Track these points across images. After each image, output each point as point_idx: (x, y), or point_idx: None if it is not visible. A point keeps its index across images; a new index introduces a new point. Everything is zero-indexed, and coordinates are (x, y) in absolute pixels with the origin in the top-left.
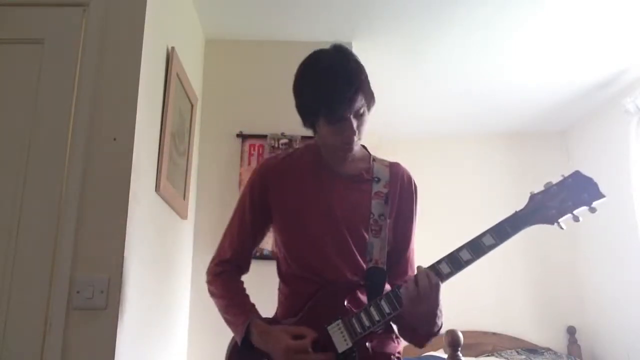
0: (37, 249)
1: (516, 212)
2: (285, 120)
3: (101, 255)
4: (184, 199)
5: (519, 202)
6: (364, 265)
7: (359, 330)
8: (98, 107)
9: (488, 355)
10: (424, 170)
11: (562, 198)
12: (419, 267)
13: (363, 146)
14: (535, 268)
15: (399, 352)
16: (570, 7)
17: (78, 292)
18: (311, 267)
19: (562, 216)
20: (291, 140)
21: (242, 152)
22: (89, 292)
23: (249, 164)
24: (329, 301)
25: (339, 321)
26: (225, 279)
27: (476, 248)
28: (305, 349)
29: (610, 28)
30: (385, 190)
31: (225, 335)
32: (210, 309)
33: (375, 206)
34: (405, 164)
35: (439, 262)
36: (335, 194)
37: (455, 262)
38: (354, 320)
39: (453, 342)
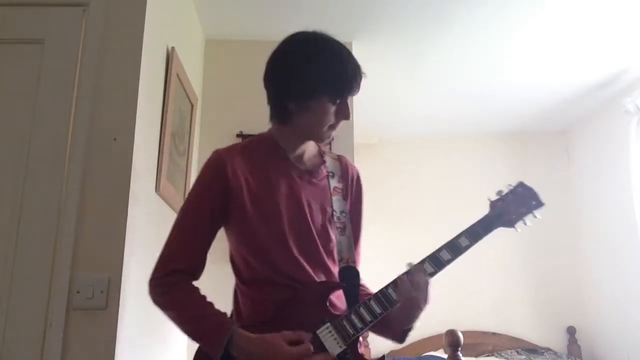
0: (37, 249)
1: (486, 216)
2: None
3: (101, 255)
4: (184, 199)
5: None
6: (332, 265)
7: (351, 332)
8: (98, 107)
9: (488, 355)
10: (423, 170)
11: (517, 204)
12: (410, 264)
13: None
14: (535, 268)
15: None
16: (570, 7)
17: (78, 292)
18: (279, 269)
19: (518, 221)
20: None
21: None
22: (89, 292)
23: None
24: (308, 304)
25: (328, 324)
26: (181, 290)
27: (454, 248)
28: (309, 353)
29: (610, 28)
30: (340, 185)
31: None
32: None
33: (336, 202)
34: (405, 164)
35: (422, 261)
36: (300, 190)
37: (437, 262)
38: (344, 322)
39: (453, 342)
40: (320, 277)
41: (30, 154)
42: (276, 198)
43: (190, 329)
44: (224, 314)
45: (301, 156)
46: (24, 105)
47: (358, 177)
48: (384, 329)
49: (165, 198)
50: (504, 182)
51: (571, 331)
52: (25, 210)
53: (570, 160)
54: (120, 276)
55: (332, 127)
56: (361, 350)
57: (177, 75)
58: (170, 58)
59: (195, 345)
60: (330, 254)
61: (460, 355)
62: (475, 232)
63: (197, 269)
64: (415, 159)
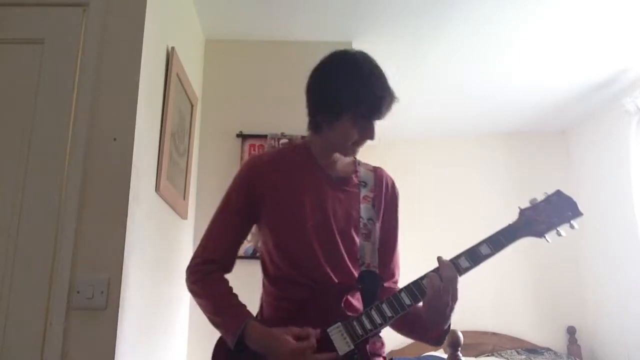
0: (37, 249)
1: (510, 225)
2: (285, 120)
3: (101, 255)
4: (184, 199)
5: (519, 202)
6: (355, 269)
7: (360, 332)
8: (98, 107)
9: (488, 355)
10: (423, 170)
11: (549, 214)
12: (440, 258)
13: None
14: (536, 268)
15: (384, 352)
16: (570, 7)
17: (78, 292)
18: (302, 270)
19: (549, 231)
20: (291, 140)
21: (242, 152)
22: (89, 292)
23: None
24: (324, 304)
25: (339, 324)
26: (212, 279)
27: (474, 256)
28: (311, 349)
29: (610, 28)
30: (371, 195)
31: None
32: None
33: (364, 210)
34: (405, 164)
35: (451, 259)
36: (327, 196)
37: (457, 268)
38: (355, 323)
39: (453, 342)
40: (340, 280)
41: (30, 154)
42: (302, 202)
43: (213, 318)
44: (244, 306)
45: (333, 164)
46: (24, 105)
47: (393, 186)
48: (414, 332)
49: (165, 198)
50: (504, 182)
51: (571, 331)
52: (25, 210)
53: (570, 160)
54: (120, 276)
55: (356, 144)
56: (374, 347)
57: (177, 75)
58: (170, 58)
59: (195, 345)
60: (353, 258)
61: (460, 355)
62: (498, 241)
63: (228, 262)
64: (415, 159)
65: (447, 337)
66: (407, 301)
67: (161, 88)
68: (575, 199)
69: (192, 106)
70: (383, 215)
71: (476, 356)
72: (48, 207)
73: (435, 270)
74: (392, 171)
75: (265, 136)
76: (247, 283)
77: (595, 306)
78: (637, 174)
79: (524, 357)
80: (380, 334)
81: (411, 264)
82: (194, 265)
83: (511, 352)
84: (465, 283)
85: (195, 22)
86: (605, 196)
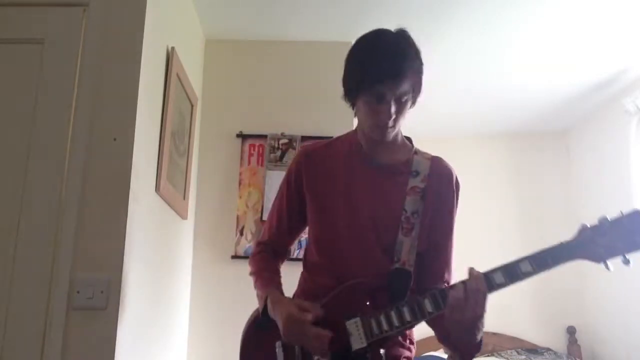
0: (37, 249)
1: (562, 243)
2: (285, 120)
3: (101, 255)
4: (184, 199)
5: (519, 202)
6: (388, 264)
7: (375, 331)
8: (98, 107)
9: (488, 355)
10: None
11: (613, 237)
12: (471, 269)
13: (407, 138)
14: None
15: (406, 357)
16: (570, 7)
17: (78, 292)
18: (332, 262)
19: (610, 257)
20: (291, 140)
21: (242, 152)
22: (89, 292)
23: (249, 164)
24: (350, 296)
25: (357, 319)
26: (259, 258)
27: (512, 273)
28: (305, 320)
29: (610, 28)
30: (422, 185)
31: (225, 335)
32: (211, 308)
33: (410, 202)
34: None
35: (485, 273)
36: (366, 186)
37: (489, 283)
38: (372, 321)
39: None
40: (370, 275)
41: (30, 154)
42: (335, 194)
43: (256, 292)
44: (277, 279)
45: (382, 150)
46: (24, 105)
47: (451, 177)
48: (452, 345)
49: (165, 198)
50: (504, 182)
51: (571, 331)
52: (25, 210)
53: (570, 160)
54: (120, 276)
55: (377, 126)
56: (396, 352)
57: (177, 75)
58: (170, 58)
59: (195, 345)
60: (388, 252)
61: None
62: (543, 260)
63: (280, 248)
64: None
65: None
66: (429, 308)
67: (161, 88)
68: (575, 198)
69: (192, 106)
70: (435, 208)
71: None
72: (48, 207)
73: (464, 281)
74: None
75: (265, 136)
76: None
77: (595, 306)
78: (637, 174)
79: (524, 357)
80: (411, 341)
81: None
82: (254, 246)
83: (511, 352)
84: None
85: (195, 22)
86: (605, 196)
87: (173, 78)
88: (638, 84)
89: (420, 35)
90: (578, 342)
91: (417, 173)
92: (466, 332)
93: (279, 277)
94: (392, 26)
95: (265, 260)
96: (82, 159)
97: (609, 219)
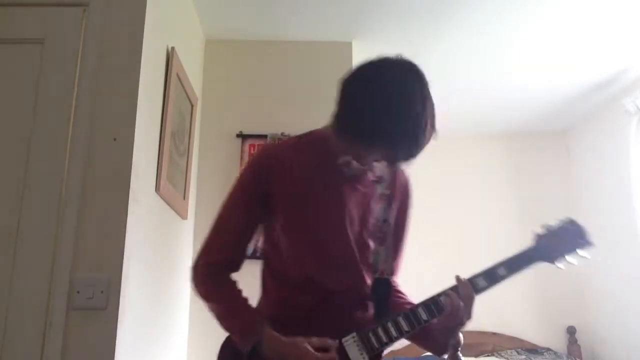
0: (37, 249)
1: (527, 249)
2: (285, 120)
3: (101, 255)
4: (184, 199)
5: (519, 202)
6: (368, 275)
7: (376, 345)
8: (98, 107)
9: (488, 355)
10: (423, 169)
11: (562, 241)
12: (458, 277)
13: None
14: (535, 268)
15: None
16: (570, 7)
17: (78, 292)
18: (314, 275)
19: (562, 257)
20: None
21: (242, 152)
22: (89, 292)
23: None
24: (336, 312)
25: (355, 335)
26: (220, 281)
27: (492, 277)
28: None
29: (610, 28)
30: (387, 192)
31: (225, 335)
32: None
33: (380, 211)
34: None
35: (472, 277)
36: (343, 197)
37: (475, 287)
38: (370, 335)
39: (453, 342)
40: (353, 287)
41: (30, 154)
42: (316, 204)
43: (224, 322)
44: (257, 311)
45: (350, 161)
46: (24, 105)
47: (407, 187)
48: (422, 341)
49: (165, 198)
50: (504, 182)
51: (571, 331)
52: (25, 210)
53: (570, 160)
54: (120, 276)
55: (377, 161)
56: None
57: (177, 75)
58: (170, 58)
59: (195, 345)
60: (366, 263)
61: (460, 355)
62: (515, 264)
63: (234, 262)
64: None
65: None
66: (425, 317)
67: (161, 88)
68: (575, 198)
69: (192, 106)
70: (398, 214)
71: (476, 356)
72: (48, 207)
73: (454, 289)
74: None
75: (265, 136)
76: (250, 284)
77: (595, 306)
78: (637, 174)
79: (524, 357)
80: None
81: (409, 264)
82: (200, 265)
83: (511, 352)
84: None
85: (195, 22)
86: (605, 196)
87: (173, 78)
88: (638, 84)
89: (420, 36)
90: (578, 342)
91: (381, 179)
92: (453, 334)
93: (252, 306)
94: (392, 26)
95: (230, 285)
96: (82, 159)
97: (552, 226)
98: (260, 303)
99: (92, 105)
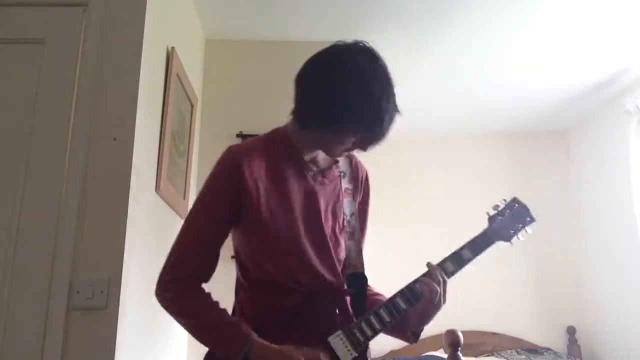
0: (37, 249)
1: (485, 230)
2: (285, 120)
3: (101, 255)
4: (184, 199)
5: None
6: (343, 272)
7: (361, 339)
8: (98, 107)
9: (488, 355)
10: (423, 170)
11: (513, 220)
12: (429, 264)
13: None
14: (536, 268)
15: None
16: (570, 7)
17: (78, 292)
18: (294, 274)
19: (514, 236)
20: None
21: None
22: (89, 292)
23: None
24: (319, 310)
25: (340, 332)
26: (193, 296)
27: (459, 260)
28: None
29: (610, 28)
30: (350, 186)
31: None
32: None
33: (347, 205)
34: (404, 164)
35: (438, 263)
36: (314, 193)
37: (445, 271)
38: (355, 331)
39: (453, 342)
40: (331, 283)
41: (30, 154)
42: (291, 202)
43: (205, 337)
44: (240, 322)
45: (315, 157)
46: (24, 105)
47: (366, 177)
48: (395, 330)
49: (165, 198)
50: (504, 182)
51: (571, 331)
52: (25, 211)
53: (570, 160)
54: (120, 276)
55: (347, 150)
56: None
57: (177, 75)
58: (170, 58)
59: (195, 345)
60: (339, 258)
61: (460, 355)
62: (477, 245)
63: (207, 273)
64: (415, 158)
65: (445, 337)
66: (403, 306)
67: (161, 88)
68: (575, 198)
69: (192, 106)
70: (360, 206)
71: (476, 356)
72: (48, 207)
73: (427, 275)
74: (391, 171)
75: None
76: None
77: (595, 306)
78: (637, 174)
79: (524, 357)
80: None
81: (409, 265)
82: (168, 280)
83: (511, 352)
84: (466, 283)
85: (195, 22)
86: (605, 196)
87: (173, 78)
88: (638, 84)
89: (420, 36)
90: (578, 342)
91: (345, 174)
92: (430, 319)
93: (233, 318)
94: (392, 27)
95: (205, 298)
96: (82, 159)
97: (501, 206)
98: (236, 309)
99: (92, 105)
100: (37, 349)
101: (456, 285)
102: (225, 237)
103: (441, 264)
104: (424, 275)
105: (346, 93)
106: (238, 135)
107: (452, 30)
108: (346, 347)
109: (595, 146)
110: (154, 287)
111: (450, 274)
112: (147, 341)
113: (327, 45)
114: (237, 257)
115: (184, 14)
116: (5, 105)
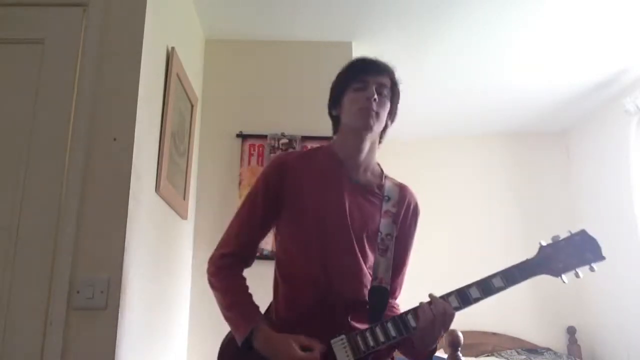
0: (37, 249)
1: (527, 260)
2: (285, 120)
3: (101, 255)
4: (184, 199)
5: (519, 202)
6: (366, 281)
7: (362, 349)
8: (98, 107)
9: (488, 355)
10: (423, 170)
11: (568, 254)
12: (432, 295)
13: (377, 164)
14: None
15: None
16: (570, 7)
17: (78, 292)
18: (317, 277)
19: (566, 271)
20: (291, 140)
21: (242, 152)
22: (89, 292)
23: (249, 164)
24: (332, 314)
25: (343, 337)
26: (229, 274)
27: (486, 288)
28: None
29: (610, 28)
30: (394, 210)
31: (225, 335)
32: (211, 308)
33: (384, 225)
34: (404, 164)
35: (448, 294)
36: (350, 203)
37: (464, 298)
38: (358, 338)
39: (453, 342)
40: (352, 290)
41: (30, 154)
42: (323, 206)
43: (226, 312)
44: (256, 306)
45: (358, 169)
46: (24, 105)
47: (416, 206)
48: (407, 350)
49: (165, 198)
50: (504, 182)
51: (571, 331)
52: (25, 210)
53: (570, 160)
54: (120, 276)
55: (361, 109)
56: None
57: (177, 75)
58: (170, 58)
59: (195, 345)
60: (364, 269)
61: (460, 355)
62: (512, 275)
63: (248, 257)
64: (415, 159)
65: (445, 337)
66: (413, 324)
67: (161, 88)
68: (575, 198)
69: (192, 106)
70: (401, 234)
71: (476, 356)
72: (48, 207)
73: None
74: (391, 172)
75: (265, 136)
76: (262, 284)
77: (595, 306)
78: (637, 174)
79: (524, 357)
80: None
81: (409, 265)
82: (216, 257)
83: (511, 352)
84: (465, 283)
85: (195, 22)
86: (605, 196)
87: (173, 78)
88: (638, 84)
89: (420, 36)
90: (578, 342)
91: (389, 198)
92: (433, 342)
93: (253, 300)
94: (391, 27)
95: (238, 278)
96: (82, 159)
97: (561, 237)
98: (271, 305)
99: (92, 105)
100: (37, 349)
101: (456, 285)
102: (266, 228)
103: (465, 288)
104: (428, 302)
105: (336, 77)
106: (238, 135)
107: (452, 30)
108: (346, 352)
109: (595, 146)
110: (154, 287)
111: (474, 300)
112: (147, 341)
113: (327, 45)
114: (276, 253)
115: (183, 14)
116: (5, 105)
